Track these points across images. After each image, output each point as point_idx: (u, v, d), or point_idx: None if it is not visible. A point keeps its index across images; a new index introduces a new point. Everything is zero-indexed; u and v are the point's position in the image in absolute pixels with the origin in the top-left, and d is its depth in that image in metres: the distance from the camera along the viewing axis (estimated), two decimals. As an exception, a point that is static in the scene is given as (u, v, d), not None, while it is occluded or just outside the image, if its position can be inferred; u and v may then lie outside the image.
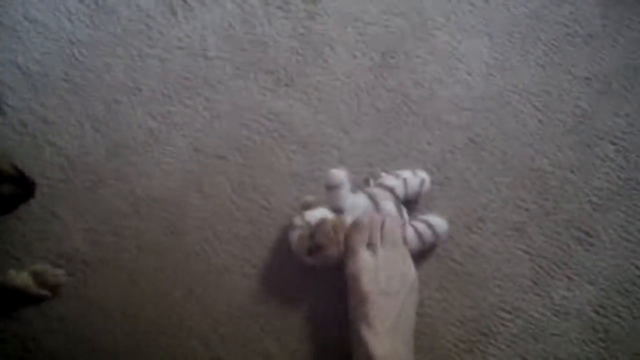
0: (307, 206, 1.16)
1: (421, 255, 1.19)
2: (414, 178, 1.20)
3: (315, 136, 1.27)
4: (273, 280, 1.20)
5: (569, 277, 1.21)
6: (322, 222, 1.10)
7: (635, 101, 1.30)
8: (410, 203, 1.21)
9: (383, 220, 1.14)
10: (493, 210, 1.24)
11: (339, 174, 1.14)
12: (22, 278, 1.17)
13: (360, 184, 1.23)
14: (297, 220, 1.14)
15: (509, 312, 1.18)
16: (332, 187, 1.14)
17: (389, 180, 1.18)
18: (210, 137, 1.27)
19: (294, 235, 1.13)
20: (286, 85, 1.30)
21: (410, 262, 1.15)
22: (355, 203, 1.15)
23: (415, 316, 1.12)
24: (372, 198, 1.15)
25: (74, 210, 1.23)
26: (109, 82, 1.30)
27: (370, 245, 1.13)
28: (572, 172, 1.26)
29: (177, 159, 1.26)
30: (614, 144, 1.28)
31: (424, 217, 1.19)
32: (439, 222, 1.18)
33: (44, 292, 1.18)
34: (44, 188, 1.23)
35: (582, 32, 1.35)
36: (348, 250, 1.14)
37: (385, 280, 1.10)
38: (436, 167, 1.26)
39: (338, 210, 1.15)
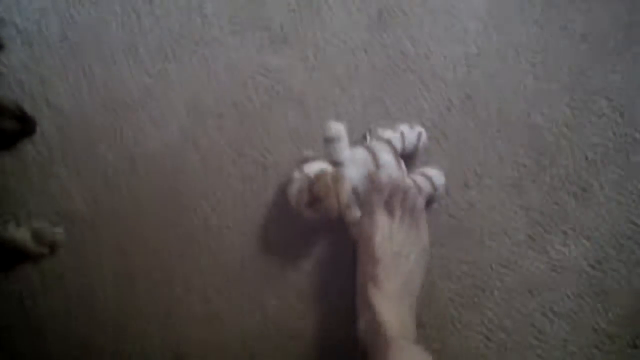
0: (306, 161, 1.17)
1: (417, 210, 1.20)
2: (411, 131, 1.20)
3: (311, 93, 1.27)
4: (272, 238, 1.21)
5: (564, 232, 1.21)
6: (321, 173, 1.11)
7: (630, 58, 1.30)
8: (407, 158, 1.21)
9: (407, 187, 1.15)
10: (489, 166, 1.24)
11: (337, 127, 1.14)
12: (20, 233, 1.17)
13: (359, 140, 1.24)
14: (296, 174, 1.14)
15: (506, 267, 1.19)
16: (330, 140, 1.14)
17: (387, 133, 1.19)
18: (207, 94, 1.27)
19: (294, 188, 1.13)
20: (282, 42, 1.29)
21: (424, 227, 1.15)
22: (354, 156, 1.15)
23: (420, 290, 1.13)
24: (370, 150, 1.15)
25: (71, 168, 1.23)
26: (106, 40, 1.29)
27: (388, 206, 1.14)
28: (567, 128, 1.26)
29: (174, 117, 1.26)
30: (609, 100, 1.28)
31: (422, 169, 1.20)
32: (437, 174, 1.19)
33: (43, 249, 1.19)
34: (41, 147, 1.23)
35: (578, -10, 1.36)
36: (365, 209, 1.15)
37: (397, 244, 1.11)
38: (432, 123, 1.26)
39: (337, 164, 1.15)
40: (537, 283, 1.19)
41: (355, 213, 1.15)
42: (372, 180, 1.14)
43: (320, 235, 1.20)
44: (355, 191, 1.14)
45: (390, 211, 1.14)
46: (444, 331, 1.18)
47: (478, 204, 1.22)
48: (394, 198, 1.14)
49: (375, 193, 1.13)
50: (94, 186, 1.23)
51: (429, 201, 1.20)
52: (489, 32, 1.31)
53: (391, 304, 1.06)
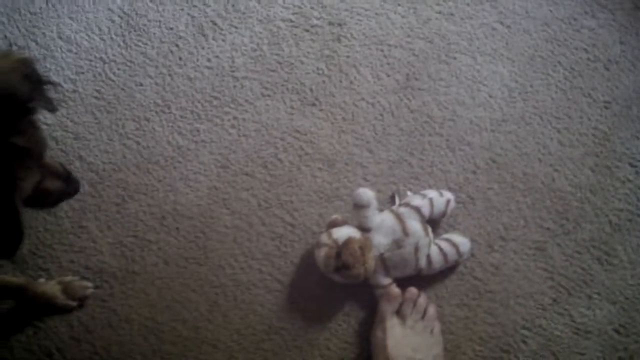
0: (334, 224, 1.18)
1: (443, 272, 1.21)
2: (439, 198, 1.21)
3: (340, 155, 1.30)
4: (298, 295, 1.22)
5: (589, 296, 1.22)
6: (349, 241, 1.12)
7: (654, 125, 1.33)
8: (434, 222, 1.23)
9: (418, 294, 1.17)
10: (514, 229, 1.26)
11: (367, 194, 1.15)
12: (50, 287, 1.19)
13: (386, 202, 1.26)
14: (324, 238, 1.15)
15: (530, 330, 1.20)
16: (359, 207, 1.16)
17: (416, 200, 1.20)
18: (237, 154, 1.30)
19: (321, 254, 1.14)
20: (312, 105, 1.32)
21: (438, 333, 1.18)
22: (383, 222, 1.16)
23: None
24: (398, 217, 1.17)
25: (102, 224, 1.26)
26: (140, 100, 1.33)
27: (400, 315, 1.16)
28: (592, 193, 1.28)
29: (205, 176, 1.28)
30: (633, 166, 1.30)
31: (448, 236, 1.21)
32: (463, 241, 1.20)
33: (71, 302, 1.20)
34: (74, 202, 1.25)
35: (601, 57, 1.38)
36: (377, 317, 1.17)
37: (412, 348, 1.12)
38: (458, 186, 1.28)
39: (365, 229, 1.16)
40: (562, 346, 1.19)
41: (381, 279, 1.17)
42: (386, 291, 1.17)
43: (347, 294, 1.21)
44: (381, 258, 1.15)
45: (402, 318, 1.16)
46: (468, 393, 1.18)
47: (503, 267, 1.23)
48: (404, 306, 1.16)
49: (386, 303, 1.16)
50: (124, 242, 1.25)
51: (454, 265, 1.22)
52: (514, 97, 1.34)
53: None
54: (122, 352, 1.19)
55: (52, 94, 0.88)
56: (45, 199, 0.96)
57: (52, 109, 0.90)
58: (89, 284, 1.22)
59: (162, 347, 1.19)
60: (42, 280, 1.21)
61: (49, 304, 1.19)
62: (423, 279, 1.20)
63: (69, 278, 1.22)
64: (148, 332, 1.19)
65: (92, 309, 1.21)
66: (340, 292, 1.21)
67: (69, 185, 1.00)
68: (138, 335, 1.19)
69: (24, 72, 0.82)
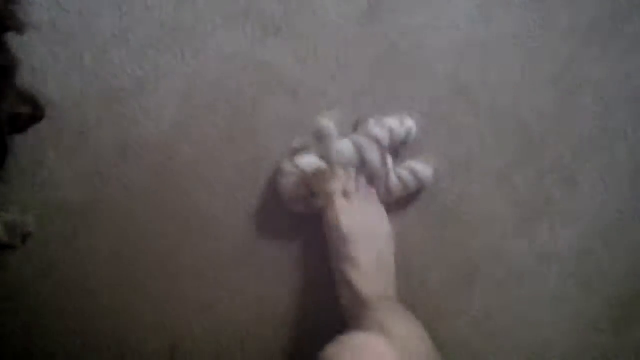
0: (296, 152, 1.18)
1: (407, 201, 1.22)
2: (400, 127, 1.21)
3: (303, 85, 1.28)
4: (263, 226, 1.22)
5: (551, 222, 1.24)
6: (319, 171, 1.12)
7: (615, 50, 1.32)
8: (395, 150, 1.23)
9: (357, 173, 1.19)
10: (477, 156, 1.26)
11: (327, 124, 1.15)
12: None
13: (349, 131, 1.25)
14: (288, 167, 1.15)
15: (493, 256, 1.22)
16: (319, 137, 1.16)
17: (375, 129, 1.19)
18: (198, 86, 1.27)
19: (288, 182, 1.14)
20: (274, 34, 1.30)
21: (383, 215, 1.20)
22: (341, 151, 1.17)
23: (395, 266, 1.16)
24: (357, 147, 1.17)
25: (62, 159, 1.23)
26: (96, 31, 1.29)
27: (345, 194, 1.17)
28: (553, 119, 1.28)
29: (166, 108, 1.26)
30: (594, 91, 1.30)
31: (408, 163, 1.22)
32: (423, 169, 1.21)
33: (15, 241, 1.18)
34: (31, 138, 1.23)
35: (564, -19, 1.37)
36: (326, 199, 1.17)
37: (362, 224, 1.14)
38: (422, 114, 1.27)
39: (325, 158, 1.17)
40: (524, 271, 1.22)
41: None
42: (329, 172, 1.17)
43: (312, 222, 1.22)
44: (341, 186, 1.16)
45: (348, 198, 1.17)
46: (433, 317, 1.20)
47: (467, 195, 1.24)
48: (348, 184, 1.18)
49: (333, 182, 1.16)
50: (85, 176, 1.23)
51: (416, 192, 1.23)
52: (476, 24, 1.32)
53: (369, 279, 1.10)
54: (90, 285, 1.21)
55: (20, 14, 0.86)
56: (16, 124, 0.94)
57: (22, 30, 0.88)
58: (29, 220, 1.20)
59: (128, 281, 1.20)
60: None
61: None
62: (387, 206, 1.21)
63: (8, 216, 1.20)
64: (113, 267, 1.20)
65: (55, 246, 1.21)
66: (302, 222, 1.22)
67: (37, 110, 0.99)
68: (102, 271, 1.20)
69: None
